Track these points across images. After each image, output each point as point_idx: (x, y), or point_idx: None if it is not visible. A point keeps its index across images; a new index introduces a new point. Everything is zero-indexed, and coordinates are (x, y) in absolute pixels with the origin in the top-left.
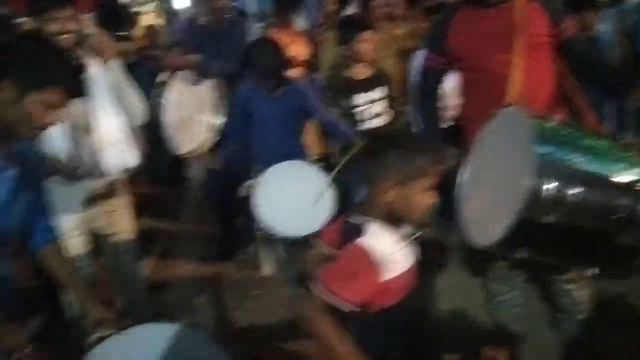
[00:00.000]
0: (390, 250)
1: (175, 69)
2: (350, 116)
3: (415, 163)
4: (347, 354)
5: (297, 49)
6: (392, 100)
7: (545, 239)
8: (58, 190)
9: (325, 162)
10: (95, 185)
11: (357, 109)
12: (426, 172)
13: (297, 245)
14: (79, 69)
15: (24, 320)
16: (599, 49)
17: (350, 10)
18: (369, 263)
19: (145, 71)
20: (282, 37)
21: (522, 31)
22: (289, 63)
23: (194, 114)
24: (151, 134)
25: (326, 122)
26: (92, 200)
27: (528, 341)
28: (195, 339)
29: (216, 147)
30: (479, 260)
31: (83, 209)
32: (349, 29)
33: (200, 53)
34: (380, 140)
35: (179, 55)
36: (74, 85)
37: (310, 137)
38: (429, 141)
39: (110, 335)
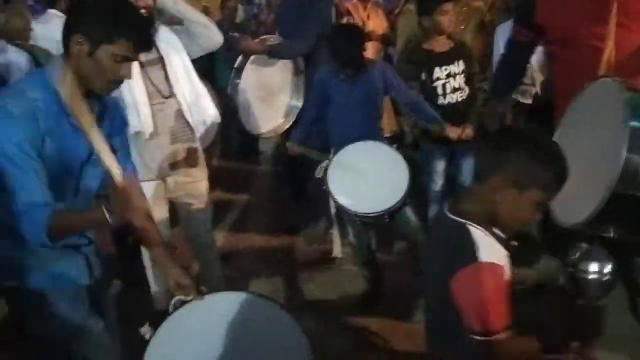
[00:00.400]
0: (503, 261)
1: (248, 52)
2: (429, 90)
3: (544, 173)
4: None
5: (374, 23)
6: (472, 74)
7: (637, 216)
8: (140, 155)
9: (398, 141)
10: (176, 150)
11: (437, 82)
12: (548, 187)
13: (368, 225)
14: (149, 22)
15: (107, 283)
16: None
17: None
18: (502, 280)
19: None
20: (359, 10)
21: (618, 0)
22: (366, 38)
23: (271, 95)
24: (225, 113)
25: (408, 102)
26: (173, 167)
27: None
28: (268, 309)
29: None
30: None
31: (164, 175)
32: (430, 0)
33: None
34: (512, 135)
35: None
36: (144, 38)
37: (385, 114)
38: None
39: (191, 299)
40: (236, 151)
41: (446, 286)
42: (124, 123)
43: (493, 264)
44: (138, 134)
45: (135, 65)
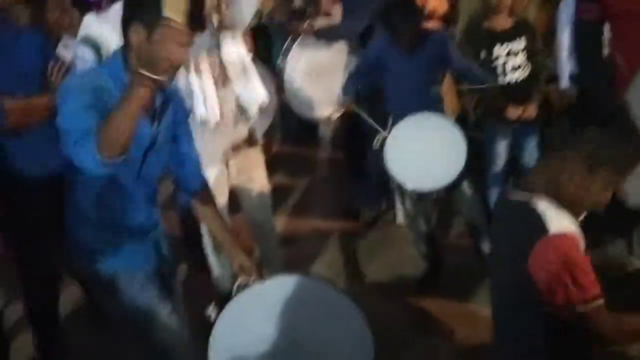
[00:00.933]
0: (575, 232)
1: (295, 34)
2: (490, 69)
3: (618, 152)
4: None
5: (435, 3)
6: (535, 52)
7: None
8: (205, 143)
9: (462, 120)
10: (236, 134)
11: (498, 61)
12: (622, 167)
13: (427, 200)
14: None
15: (173, 268)
16: None
17: None
18: (580, 249)
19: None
20: None
21: None
22: (427, 17)
23: (324, 78)
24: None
25: (463, 68)
26: (235, 149)
27: None
28: (328, 293)
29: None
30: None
31: (227, 159)
32: None
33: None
34: (585, 112)
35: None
36: (197, 17)
37: (448, 95)
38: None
39: (254, 282)
40: (295, 136)
41: (518, 269)
42: (187, 112)
43: (565, 234)
44: (203, 123)
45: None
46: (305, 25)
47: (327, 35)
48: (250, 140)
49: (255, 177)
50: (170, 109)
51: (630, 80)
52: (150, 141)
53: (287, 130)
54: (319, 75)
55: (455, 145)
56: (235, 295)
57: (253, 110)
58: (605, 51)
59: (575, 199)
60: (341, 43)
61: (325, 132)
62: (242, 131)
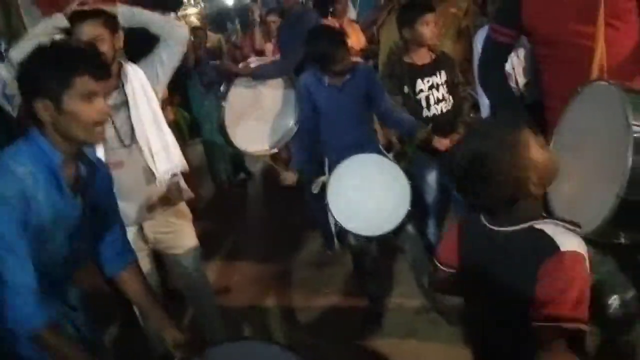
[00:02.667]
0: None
1: (232, 75)
2: (412, 103)
3: (513, 138)
4: None
5: (351, 39)
6: (456, 84)
7: None
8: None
9: (388, 152)
10: (150, 196)
11: (420, 95)
12: (526, 136)
13: (371, 241)
14: (94, 49)
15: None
16: None
17: None
18: (586, 269)
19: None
20: (336, 25)
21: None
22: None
23: (261, 114)
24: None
25: (387, 109)
26: (150, 212)
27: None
28: (271, 351)
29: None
30: None
31: (141, 222)
32: (411, 11)
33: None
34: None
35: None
36: (97, 65)
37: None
38: (509, 116)
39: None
40: (224, 177)
41: (521, 292)
42: (110, 179)
43: (576, 252)
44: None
45: None
46: (241, 65)
47: (262, 74)
48: (168, 199)
49: (178, 241)
50: (97, 180)
51: (558, 104)
52: (78, 220)
53: (216, 173)
54: (256, 111)
55: (399, 188)
56: None
57: (165, 178)
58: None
59: (542, 179)
60: (278, 80)
61: (256, 168)
62: (156, 190)
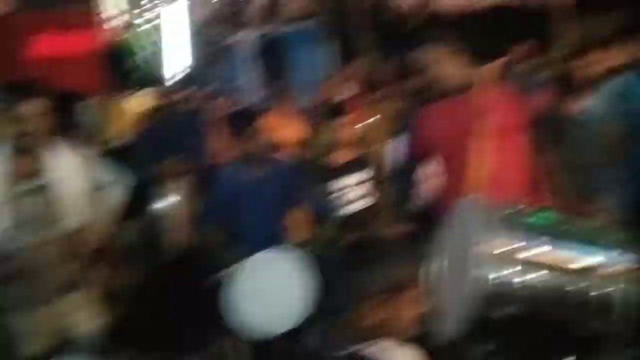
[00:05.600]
0: None
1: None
2: (333, 200)
3: (399, 275)
4: None
5: (290, 130)
6: (376, 183)
7: (509, 331)
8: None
9: (309, 248)
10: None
11: (340, 193)
12: (409, 284)
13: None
14: None
15: None
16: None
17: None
18: None
19: None
20: (275, 116)
21: (489, 116)
22: (278, 144)
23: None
24: None
25: (308, 202)
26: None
27: None
28: None
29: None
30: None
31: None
32: (332, 113)
33: None
34: (364, 250)
35: None
36: None
37: (295, 220)
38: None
39: None
40: None
41: None
42: None
43: None
44: None
45: None
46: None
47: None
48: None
49: (80, 314)
50: None
51: None
52: None
53: None
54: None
55: (303, 288)
56: None
57: None
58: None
59: (392, 329)
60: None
61: None
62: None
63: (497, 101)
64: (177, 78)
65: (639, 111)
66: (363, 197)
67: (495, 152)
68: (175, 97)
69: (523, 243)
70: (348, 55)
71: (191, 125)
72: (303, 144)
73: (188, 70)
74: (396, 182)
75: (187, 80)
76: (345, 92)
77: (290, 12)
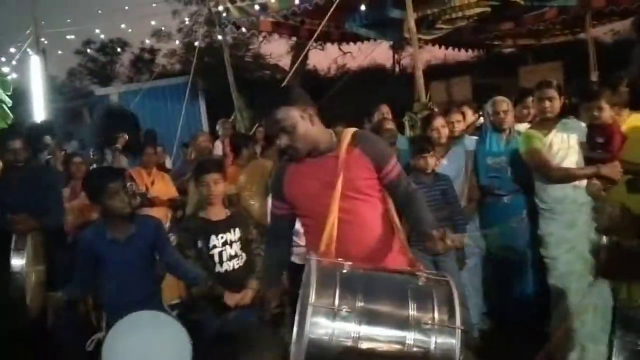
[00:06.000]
0: None
1: None
2: (205, 258)
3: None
4: None
5: (159, 188)
6: (248, 241)
7: None
8: None
9: (183, 309)
10: None
11: (213, 251)
12: None
13: None
14: None
15: None
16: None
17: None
18: None
19: None
20: (142, 176)
21: (343, 177)
22: (149, 202)
23: None
24: None
25: (172, 262)
26: None
27: None
28: None
29: None
30: None
31: None
32: (200, 167)
33: None
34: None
35: None
36: None
37: (167, 281)
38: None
39: None
40: None
41: None
42: None
43: None
44: None
45: None
46: None
47: None
48: None
49: None
50: None
51: None
52: None
53: None
54: None
55: (180, 347)
56: None
57: None
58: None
59: None
60: None
61: None
62: None
63: (355, 161)
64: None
65: (484, 167)
66: (236, 256)
67: (348, 210)
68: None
69: (351, 300)
70: (219, 112)
71: (43, 181)
72: (173, 201)
73: (44, 124)
74: (269, 240)
75: (41, 134)
76: (217, 149)
77: (159, 68)
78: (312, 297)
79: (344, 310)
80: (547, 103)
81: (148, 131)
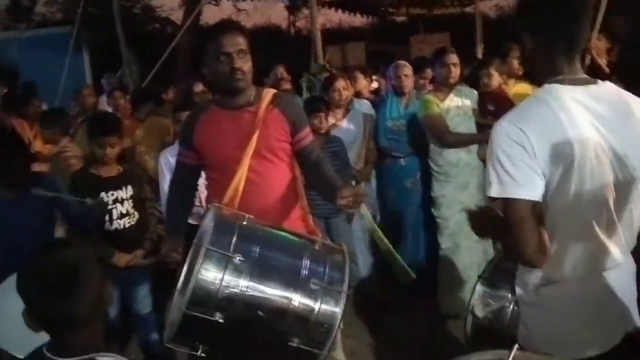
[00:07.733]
0: None
1: None
2: (97, 214)
3: None
4: None
5: (41, 144)
6: (141, 200)
7: (217, 336)
8: None
9: None
10: None
11: (104, 208)
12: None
13: None
14: None
15: None
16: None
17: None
18: None
19: None
20: (25, 129)
21: (259, 134)
22: (33, 158)
23: None
24: None
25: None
26: None
27: None
28: None
29: None
30: None
31: None
32: (97, 126)
33: None
34: None
35: None
36: None
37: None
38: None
39: None
40: None
41: None
42: None
43: None
44: None
45: None
46: None
47: None
48: None
49: None
50: None
51: None
52: None
53: None
54: None
55: None
56: None
57: None
58: None
59: None
60: None
61: None
62: None
63: (272, 120)
64: None
65: (384, 130)
66: (127, 214)
67: (257, 167)
68: None
69: (246, 251)
70: (103, 66)
71: None
72: (56, 156)
73: None
74: (173, 188)
75: None
76: (102, 104)
77: (39, 17)
78: (208, 241)
79: (238, 258)
80: (452, 68)
81: (27, 83)
